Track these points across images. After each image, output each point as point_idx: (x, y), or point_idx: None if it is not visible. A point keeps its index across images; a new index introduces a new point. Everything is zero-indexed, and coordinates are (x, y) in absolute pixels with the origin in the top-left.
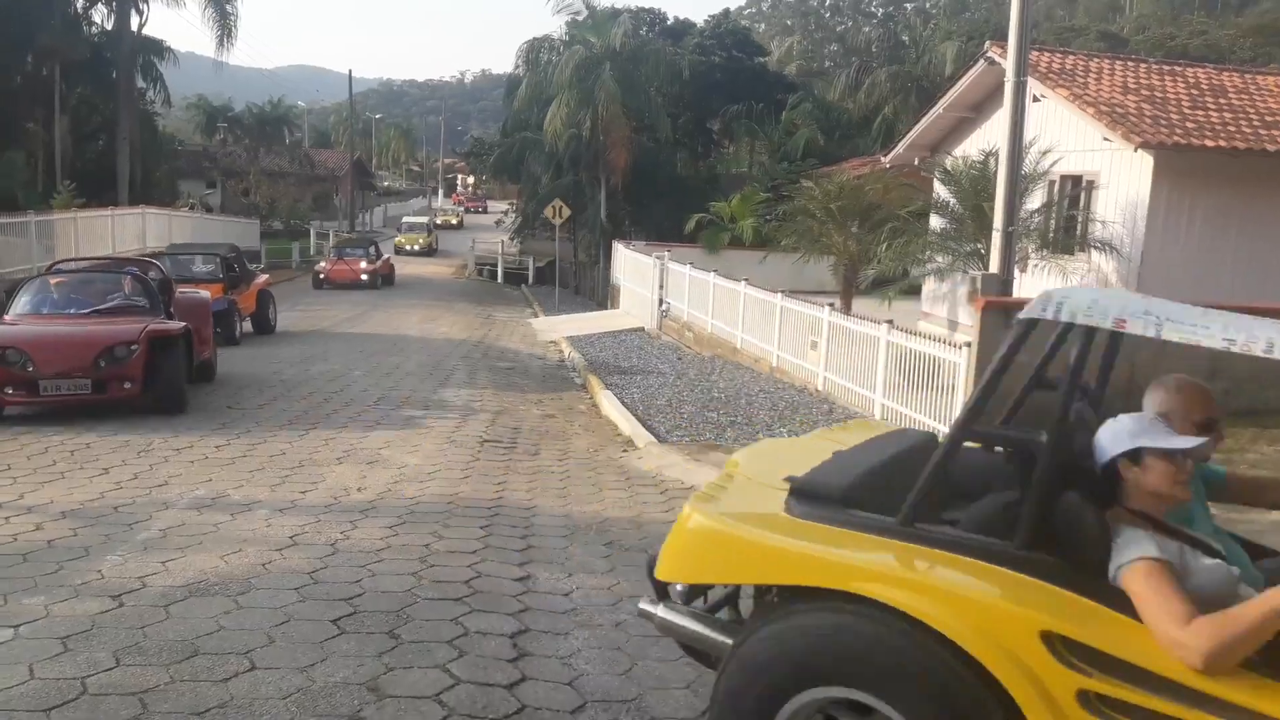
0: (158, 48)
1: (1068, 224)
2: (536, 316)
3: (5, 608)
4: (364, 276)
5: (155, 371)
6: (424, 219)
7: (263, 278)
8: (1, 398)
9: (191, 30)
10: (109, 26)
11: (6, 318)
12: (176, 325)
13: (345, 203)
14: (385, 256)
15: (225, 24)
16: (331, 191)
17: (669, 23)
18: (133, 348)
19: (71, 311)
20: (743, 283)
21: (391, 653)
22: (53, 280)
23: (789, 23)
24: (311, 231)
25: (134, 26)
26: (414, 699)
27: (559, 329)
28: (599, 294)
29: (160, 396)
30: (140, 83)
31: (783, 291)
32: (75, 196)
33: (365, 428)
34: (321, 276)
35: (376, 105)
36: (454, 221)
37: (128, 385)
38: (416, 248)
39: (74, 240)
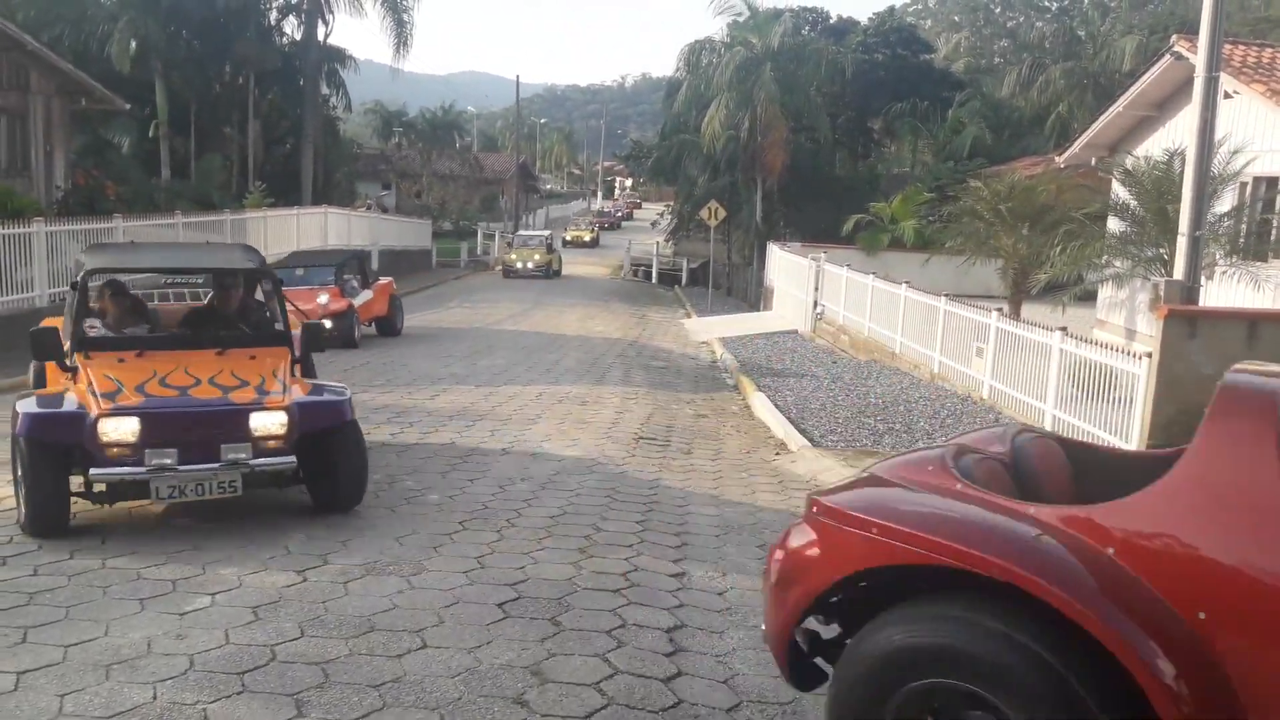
0: (341, 56)
1: (1261, 228)
2: (689, 317)
3: (204, 576)
4: (328, 322)
5: None
6: (542, 232)
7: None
8: None
9: (370, 39)
10: (298, 37)
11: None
12: None
13: (510, 205)
14: (380, 282)
15: (401, 33)
16: (498, 194)
17: (831, 22)
18: None
19: None
20: (903, 285)
21: (553, 639)
22: None
23: (957, 19)
24: (479, 232)
25: (320, 36)
26: (575, 685)
27: (711, 330)
28: (751, 296)
29: None
30: (324, 89)
31: (946, 295)
32: (264, 197)
33: (527, 421)
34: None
35: (540, 110)
36: (586, 238)
37: None
38: (530, 265)
39: (264, 238)
